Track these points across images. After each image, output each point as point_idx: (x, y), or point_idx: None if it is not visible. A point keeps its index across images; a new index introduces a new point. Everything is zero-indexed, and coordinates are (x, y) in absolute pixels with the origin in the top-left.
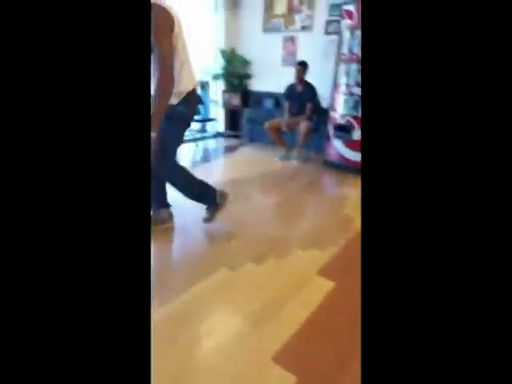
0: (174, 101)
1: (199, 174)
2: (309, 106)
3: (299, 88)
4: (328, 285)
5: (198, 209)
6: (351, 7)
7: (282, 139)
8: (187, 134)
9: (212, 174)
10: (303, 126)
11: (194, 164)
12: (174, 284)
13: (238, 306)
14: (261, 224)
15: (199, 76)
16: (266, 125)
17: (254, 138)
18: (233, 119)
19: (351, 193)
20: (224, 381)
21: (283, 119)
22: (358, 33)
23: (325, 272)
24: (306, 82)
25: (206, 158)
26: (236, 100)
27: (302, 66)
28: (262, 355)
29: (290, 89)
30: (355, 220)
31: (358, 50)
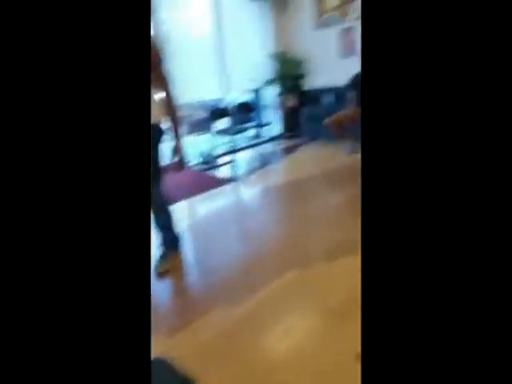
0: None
1: (259, 178)
2: None
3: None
4: None
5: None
6: None
7: (344, 134)
8: (240, 143)
9: (269, 177)
10: None
11: (252, 170)
12: (247, 284)
13: (313, 305)
14: (330, 224)
15: (248, 83)
16: (326, 121)
17: (314, 136)
18: (291, 120)
19: None
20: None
21: (345, 112)
22: None
23: None
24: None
25: (264, 162)
26: (292, 101)
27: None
28: (346, 354)
29: (360, 76)
30: None
31: None
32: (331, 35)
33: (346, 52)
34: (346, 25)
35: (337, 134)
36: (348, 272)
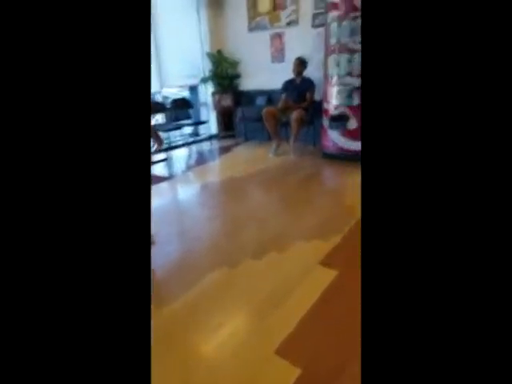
0: None
1: (195, 175)
2: (308, 94)
3: (298, 81)
4: (331, 274)
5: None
6: None
7: (277, 129)
8: (179, 139)
9: (207, 175)
10: (296, 113)
11: (189, 167)
12: (173, 286)
13: (238, 302)
14: (260, 220)
15: (187, 80)
16: (263, 111)
17: (249, 137)
18: (226, 120)
19: (351, 182)
20: (228, 377)
21: (279, 105)
22: (345, 23)
23: (327, 261)
24: (304, 76)
25: (201, 160)
26: (227, 101)
27: (299, 61)
28: (265, 349)
29: (289, 82)
30: (357, 209)
31: (346, 40)
32: (265, 39)
33: (275, 57)
34: (276, 31)
35: (270, 127)
36: (272, 269)
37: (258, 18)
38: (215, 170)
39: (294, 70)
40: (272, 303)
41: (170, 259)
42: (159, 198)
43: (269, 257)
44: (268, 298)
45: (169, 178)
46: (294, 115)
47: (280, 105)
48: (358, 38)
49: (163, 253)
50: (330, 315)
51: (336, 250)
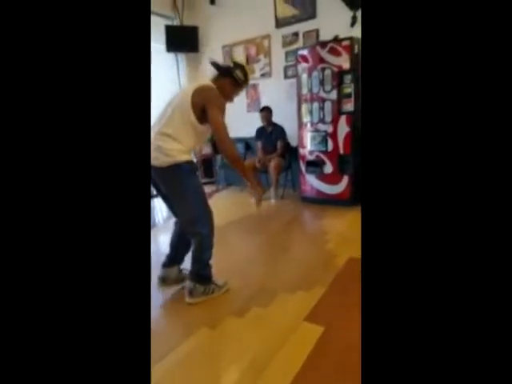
0: (192, 157)
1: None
2: (279, 143)
3: (269, 129)
4: (317, 331)
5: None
6: (305, 52)
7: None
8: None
9: None
10: (274, 161)
11: (170, 217)
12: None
13: (221, 368)
14: (241, 272)
15: None
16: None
17: (229, 183)
18: (206, 167)
19: (331, 225)
20: None
21: (256, 157)
22: (315, 74)
23: (312, 317)
24: (274, 123)
25: None
26: (207, 149)
27: (266, 111)
28: None
29: (261, 130)
30: (339, 255)
31: (316, 90)
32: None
33: (251, 107)
34: (251, 82)
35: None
36: (255, 328)
37: None
38: None
39: (262, 121)
40: (255, 371)
41: None
42: None
43: (252, 313)
44: (251, 365)
45: (151, 227)
46: (272, 164)
47: (257, 157)
48: (327, 87)
49: None
50: (318, 381)
51: (320, 304)
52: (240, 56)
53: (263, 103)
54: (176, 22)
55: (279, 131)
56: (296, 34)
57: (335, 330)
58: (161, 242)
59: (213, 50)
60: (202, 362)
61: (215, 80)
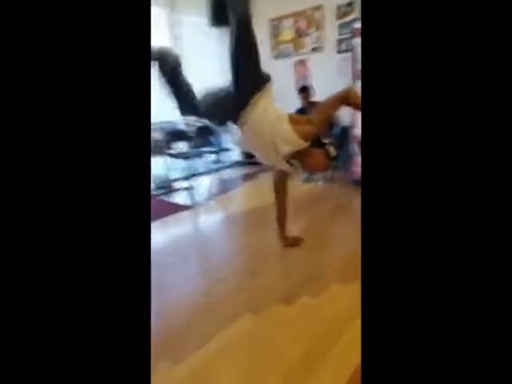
0: None
1: (218, 205)
2: None
3: (310, 111)
4: None
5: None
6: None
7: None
8: (199, 167)
9: (231, 204)
10: None
11: (212, 196)
12: (188, 338)
13: (265, 360)
14: (288, 257)
15: None
16: None
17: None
18: None
19: None
20: None
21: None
22: None
23: None
24: (315, 103)
25: (225, 188)
26: None
27: (304, 92)
28: None
29: (302, 112)
30: None
31: None
32: (289, 66)
33: (300, 83)
34: (300, 57)
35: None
36: (307, 317)
37: (281, 46)
38: (239, 198)
39: (303, 103)
40: (303, 369)
41: (185, 305)
42: (179, 228)
43: (301, 302)
44: (299, 361)
45: (191, 207)
46: None
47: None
48: None
49: (177, 296)
50: None
51: None
52: (289, 29)
53: (314, 80)
54: None
55: None
56: (350, 4)
57: None
58: (201, 222)
59: (259, 25)
60: (243, 352)
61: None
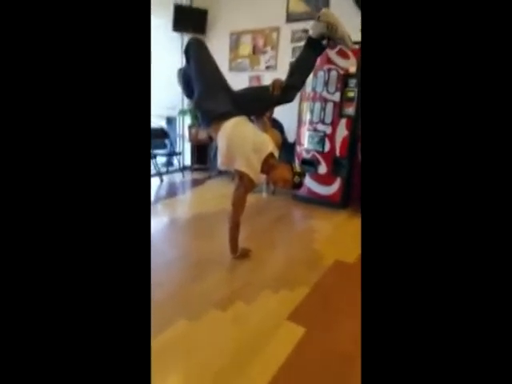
0: None
1: (164, 208)
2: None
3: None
4: (298, 331)
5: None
6: None
7: None
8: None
9: (177, 209)
10: None
11: (158, 198)
12: None
13: (198, 364)
14: (227, 264)
15: (165, 111)
16: None
17: (222, 171)
18: (200, 153)
19: (320, 226)
20: None
21: None
22: (320, 73)
23: (295, 316)
24: (273, 119)
25: (172, 192)
26: (203, 135)
27: None
28: None
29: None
30: (325, 257)
31: (320, 90)
32: (244, 79)
33: None
34: (254, 73)
35: None
36: (237, 323)
37: (239, 60)
38: (185, 203)
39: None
40: (235, 369)
41: None
42: None
43: (234, 308)
44: (231, 362)
45: None
46: None
47: None
48: (331, 89)
49: None
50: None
51: (303, 305)
52: (247, 45)
53: None
54: (186, 2)
55: (277, 128)
56: (306, 31)
57: (317, 333)
58: None
59: (220, 36)
60: (177, 357)
61: None
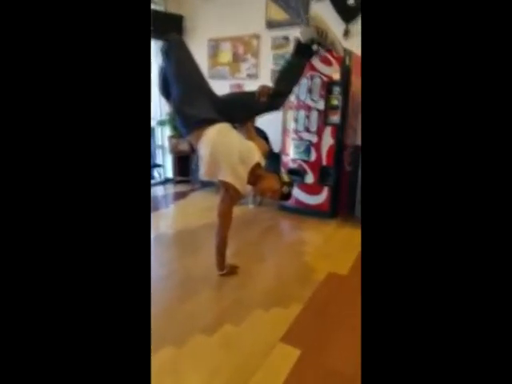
0: None
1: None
2: None
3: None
4: (293, 354)
5: None
6: None
7: None
8: None
9: (160, 224)
10: None
11: None
12: None
13: None
14: (214, 282)
15: None
16: None
17: (206, 183)
18: (182, 165)
19: (309, 237)
20: None
21: None
22: (303, 81)
23: (289, 338)
24: (257, 128)
25: (154, 205)
26: (184, 145)
27: None
28: None
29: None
30: (317, 269)
31: (303, 97)
32: (224, 87)
33: None
34: (235, 81)
35: None
36: (226, 349)
37: (219, 67)
38: (169, 218)
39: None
40: None
41: None
42: None
43: (223, 331)
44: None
45: None
46: None
47: None
48: (315, 96)
49: None
50: None
51: (297, 324)
52: (227, 52)
53: None
54: (161, 8)
55: (261, 137)
56: (286, 38)
57: (313, 354)
58: None
59: (198, 43)
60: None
61: None
